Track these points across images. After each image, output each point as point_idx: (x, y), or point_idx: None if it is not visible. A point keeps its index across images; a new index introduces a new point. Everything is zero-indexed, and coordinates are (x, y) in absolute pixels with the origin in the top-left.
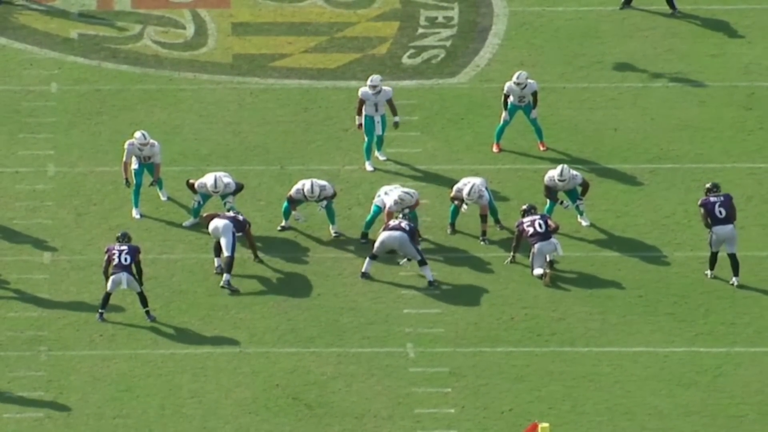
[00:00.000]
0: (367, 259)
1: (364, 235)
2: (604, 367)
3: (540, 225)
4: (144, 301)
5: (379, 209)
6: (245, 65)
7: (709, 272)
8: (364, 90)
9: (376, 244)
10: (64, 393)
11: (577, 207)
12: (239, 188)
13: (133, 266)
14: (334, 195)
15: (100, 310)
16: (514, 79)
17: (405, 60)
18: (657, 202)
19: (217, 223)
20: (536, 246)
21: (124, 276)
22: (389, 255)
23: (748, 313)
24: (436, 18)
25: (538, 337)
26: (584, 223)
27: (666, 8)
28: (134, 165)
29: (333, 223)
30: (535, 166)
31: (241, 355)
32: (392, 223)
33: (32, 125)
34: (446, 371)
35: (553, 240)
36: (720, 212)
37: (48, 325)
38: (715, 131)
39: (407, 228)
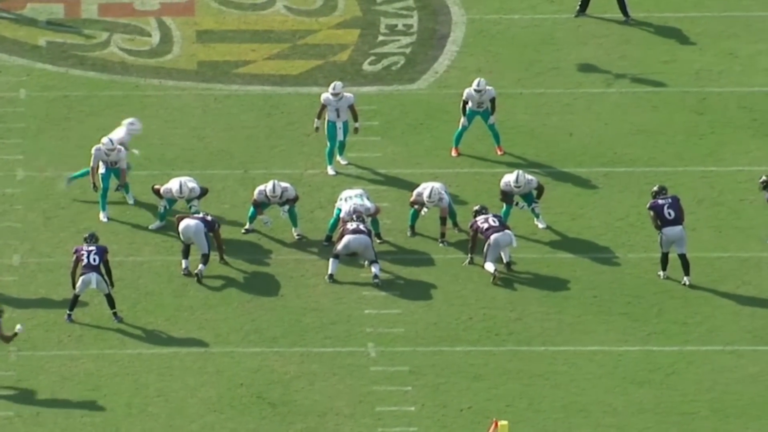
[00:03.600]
0: (331, 260)
1: (328, 238)
2: (560, 365)
3: (493, 220)
4: (111, 303)
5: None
6: (209, 72)
7: (661, 273)
8: (326, 96)
9: (340, 246)
10: (33, 392)
11: (533, 210)
12: (204, 192)
13: (101, 266)
14: (296, 198)
15: (68, 312)
16: (474, 85)
17: (366, 67)
18: (611, 205)
19: (188, 223)
20: (492, 237)
21: (93, 276)
22: (350, 258)
23: (700, 312)
24: (396, 26)
25: (496, 337)
26: (540, 226)
27: (620, 15)
28: (101, 170)
29: (296, 225)
30: (492, 170)
31: (207, 355)
32: (352, 225)
33: (1, 131)
34: (406, 370)
35: (509, 232)
36: (669, 214)
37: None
38: (668, 135)
39: (367, 230)
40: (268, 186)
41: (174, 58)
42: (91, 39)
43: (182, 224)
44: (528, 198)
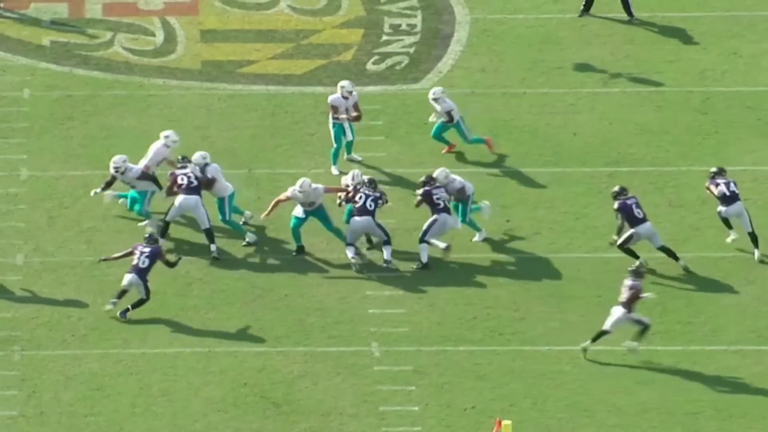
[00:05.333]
0: (346, 247)
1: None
2: (563, 365)
3: (446, 200)
4: (136, 304)
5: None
6: (213, 71)
7: (641, 259)
8: (336, 98)
9: (348, 233)
10: (37, 392)
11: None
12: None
13: (148, 270)
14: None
15: (114, 300)
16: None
17: (369, 66)
18: None
19: (185, 198)
20: (441, 216)
21: (134, 278)
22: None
23: (704, 312)
24: (400, 25)
25: (500, 336)
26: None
27: (624, 15)
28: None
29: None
30: (494, 169)
31: (210, 355)
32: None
33: (5, 130)
34: (410, 370)
35: (455, 216)
36: (638, 213)
37: (21, 326)
38: (672, 135)
39: (371, 208)
40: (304, 182)
41: (178, 57)
42: (94, 38)
43: (179, 200)
44: (464, 205)
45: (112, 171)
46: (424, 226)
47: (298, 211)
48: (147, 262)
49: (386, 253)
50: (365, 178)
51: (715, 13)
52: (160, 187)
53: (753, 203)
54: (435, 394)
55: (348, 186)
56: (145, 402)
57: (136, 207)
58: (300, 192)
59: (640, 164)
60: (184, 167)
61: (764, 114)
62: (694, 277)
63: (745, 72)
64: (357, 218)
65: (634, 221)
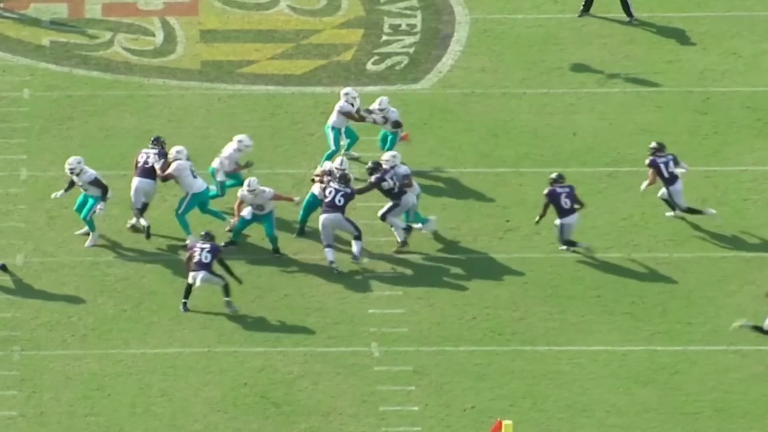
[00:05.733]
0: (325, 250)
1: (301, 229)
2: (563, 365)
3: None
4: (226, 293)
5: (314, 197)
6: (213, 71)
7: (583, 245)
8: (344, 105)
9: (322, 232)
10: (36, 392)
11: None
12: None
13: (213, 264)
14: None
15: (183, 300)
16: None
17: (369, 66)
18: (615, 205)
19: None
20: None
21: (200, 275)
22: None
23: (704, 312)
24: (400, 25)
25: (500, 337)
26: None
27: (623, 16)
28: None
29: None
30: (495, 169)
31: (210, 355)
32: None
33: (5, 130)
34: (410, 370)
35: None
36: (566, 203)
37: (21, 326)
38: (672, 135)
39: (340, 204)
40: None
41: (178, 57)
42: (94, 39)
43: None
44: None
45: (66, 171)
46: (388, 210)
47: (247, 212)
48: (209, 257)
49: (356, 248)
50: (338, 165)
51: (715, 13)
52: (104, 199)
53: (753, 203)
54: (435, 394)
55: (329, 170)
56: (145, 402)
57: (84, 211)
58: (249, 191)
59: (640, 164)
60: (155, 148)
61: (764, 114)
62: (694, 277)
63: (745, 72)
64: (326, 215)
65: (561, 212)
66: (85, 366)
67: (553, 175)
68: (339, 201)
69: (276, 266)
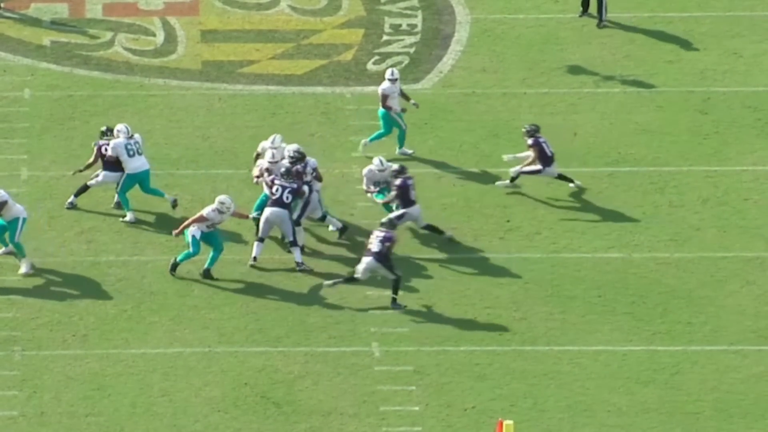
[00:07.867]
0: (255, 243)
1: (256, 219)
2: (564, 365)
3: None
4: (395, 289)
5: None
6: (214, 72)
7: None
8: (386, 86)
9: (262, 225)
10: (37, 392)
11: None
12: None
13: (384, 253)
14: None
15: (331, 282)
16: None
17: (370, 66)
18: (615, 205)
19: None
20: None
21: (371, 261)
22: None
23: (704, 312)
24: (400, 25)
25: (500, 337)
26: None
27: (623, 16)
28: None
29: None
30: (496, 169)
31: (211, 355)
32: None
33: (6, 130)
34: (411, 370)
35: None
36: (413, 195)
37: (21, 326)
38: (672, 135)
39: (288, 201)
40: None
41: (178, 57)
42: (95, 39)
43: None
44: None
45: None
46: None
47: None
48: (380, 246)
49: (296, 254)
50: (288, 155)
51: (715, 13)
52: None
53: (754, 203)
54: (435, 394)
55: (267, 168)
56: (145, 402)
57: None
58: (218, 211)
59: (641, 164)
60: (108, 138)
61: (764, 114)
62: (694, 277)
63: (745, 72)
64: (273, 209)
65: (408, 203)
66: (85, 366)
67: (397, 167)
68: (286, 198)
69: (276, 266)
